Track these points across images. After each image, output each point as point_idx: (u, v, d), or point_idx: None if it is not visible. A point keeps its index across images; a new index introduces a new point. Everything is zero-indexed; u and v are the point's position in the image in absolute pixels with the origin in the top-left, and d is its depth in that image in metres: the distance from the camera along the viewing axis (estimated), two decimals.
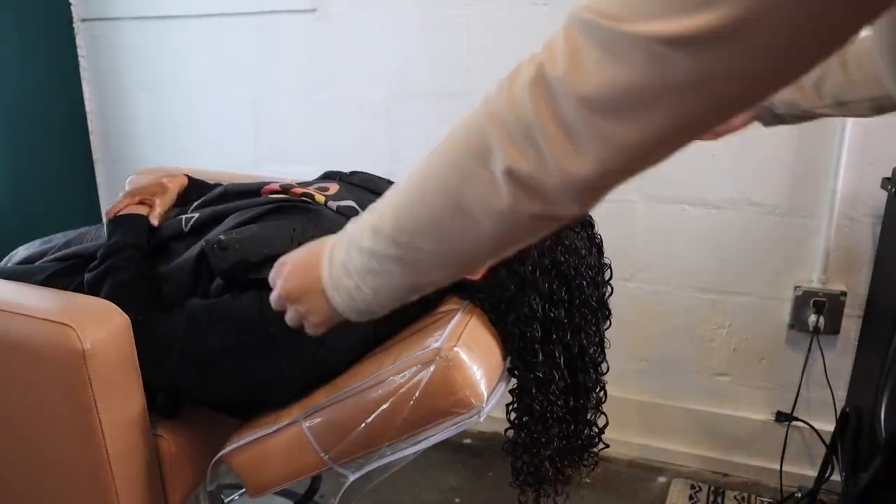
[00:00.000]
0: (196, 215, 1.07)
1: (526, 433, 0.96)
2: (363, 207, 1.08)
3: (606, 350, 0.99)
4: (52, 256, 1.15)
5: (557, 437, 0.96)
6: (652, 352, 1.79)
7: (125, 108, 2.19)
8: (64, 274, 1.08)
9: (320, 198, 1.08)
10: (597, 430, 1.00)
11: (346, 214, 1.06)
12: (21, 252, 1.23)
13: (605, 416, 1.01)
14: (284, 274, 0.69)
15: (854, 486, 1.12)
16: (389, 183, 1.06)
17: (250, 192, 1.13)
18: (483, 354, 0.88)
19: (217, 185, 1.22)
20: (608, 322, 0.98)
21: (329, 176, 1.19)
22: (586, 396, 0.97)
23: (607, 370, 0.98)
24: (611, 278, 0.98)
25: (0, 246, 1.42)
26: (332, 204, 1.07)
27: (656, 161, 0.46)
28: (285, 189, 1.10)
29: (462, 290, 1.00)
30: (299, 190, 1.10)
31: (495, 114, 0.50)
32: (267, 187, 1.12)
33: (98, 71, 2.18)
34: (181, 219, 1.07)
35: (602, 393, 0.99)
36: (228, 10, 1.95)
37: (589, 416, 0.99)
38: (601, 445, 1.01)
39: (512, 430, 0.97)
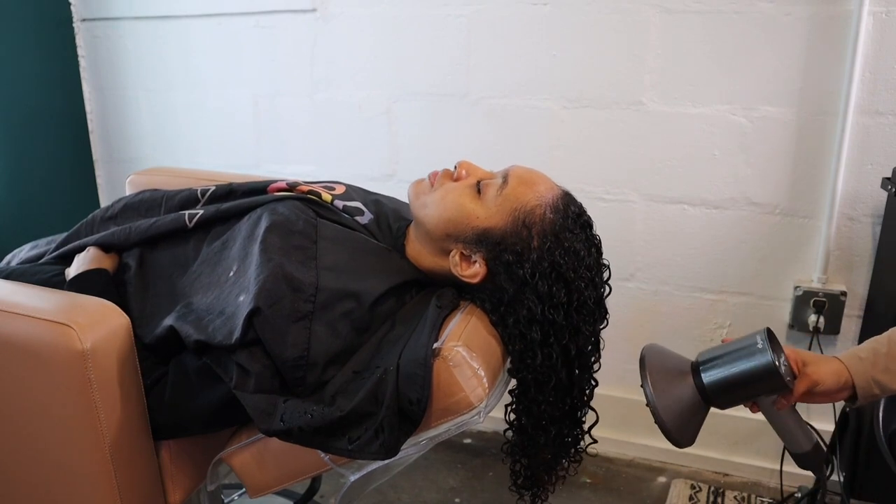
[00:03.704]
0: (201, 212, 1.07)
1: (524, 435, 0.96)
2: (369, 208, 1.09)
3: (602, 350, 0.99)
4: (52, 255, 1.15)
5: (554, 439, 0.96)
6: None
7: (125, 108, 2.19)
8: (64, 273, 1.08)
9: (327, 196, 1.08)
10: (584, 428, 1.01)
11: (353, 214, 1.06)
12: (21, 252, 1.23)
13: (596, 413, 1.01)
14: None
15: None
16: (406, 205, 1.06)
17: (257, 189, 1.13)
18: (484, 355, 0.88)
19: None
20: (605, 322, 0.98)
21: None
22: (580, 396, 0.97)
23: (598, 368, 0.99)
24: (609, 279, 0.98)
25: (0, 246, 1.42)
26: (339, 203, 1.07)
27: None
28: (292, 187, 1.10)
29: (462, 291, 1.00)
30: (305, 187, 1.10)
31: None
32: (273, 185, 1.12)
33: (98, 71, 2.18)
34: (184, 214, 1.07)
35: (591, 391, 0.99)
36: (229, 10, 1.95)
37: (581, 415, 1.00)
38: (589, 441, 1.01)
39: (510, 432, 0.97)
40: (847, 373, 0.91)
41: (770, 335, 0.88)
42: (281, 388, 0.86)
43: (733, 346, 0.89)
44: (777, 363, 0.85)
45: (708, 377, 0.88)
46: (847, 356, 0.93)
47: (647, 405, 0.88)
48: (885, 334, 0.94)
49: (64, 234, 1.20)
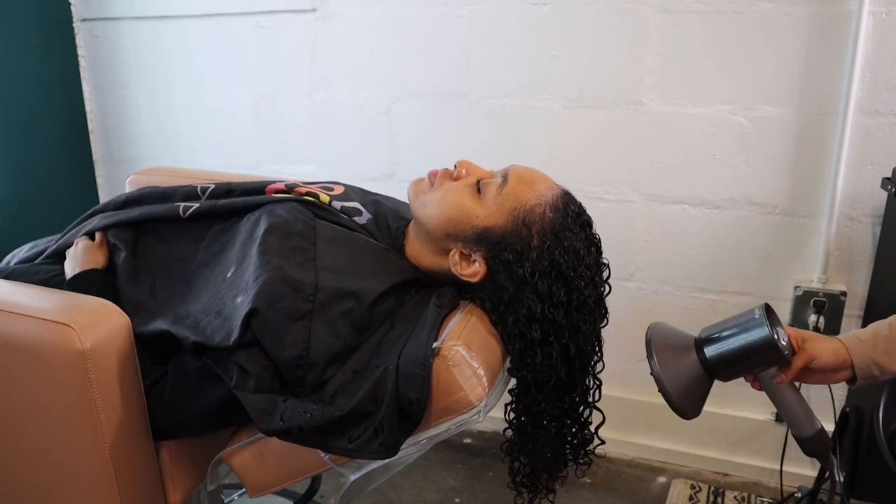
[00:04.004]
0: (196, 205, 1.06)
1: (524, 434, 0.96)
2: (367, 208, 1.09)
3: (604, 349, 0.99)
4: (48, 254, 1.15)
5: (554, 438, 0.96)
6: None
7: (125, 108, 2.19)
8: (62, 272, 1.08)
9: (325, 197, 1.08)
10: (591, 430, 1.01)
11: (351, 215, 1.06)
12: (21, 252, 1.23)
13: (602, 413, 1.01)
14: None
15: None
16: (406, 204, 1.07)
17: (255, 189, 1.13)
18: (483, 354, 0.88)
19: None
20: (605, 321, 0.98)
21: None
22: (583, 396, 0.97)
23: (602, 369, 0.99)
24: (609, 277, 0.98)
25: (0, 246, 1.42)
26: (337, 204, 1.07)
27: None
28: (290, 188, 1.10)
29: (462, 290, 1.00)
30: (304, 189, 1.10)
31: None
32: (271, 186, 1.12)
33: (98, 71, 2.18)
34: (178, 205, 1.07)
35: (597, 392, 0.99)
36: (229, 10, 1.95)
37: (584, 416, 1.00)
38: (596, 442, 1.02)
39: (510, 431, 0.98)
40: (846, 352, 0.93)
41: (768, 309, 0.90)
42: (281, 388, 0.86)
43: (733, 322, 0.92)
44: (775, 336, 0.87)
45: (710, 351, 0.91)
46: (847, 337, 0.95)
47: (651, 374, 0.90)
48: (887, 319, 0.95)
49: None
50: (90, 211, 1.20)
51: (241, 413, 0.84)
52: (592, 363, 0.97)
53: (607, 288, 0.98)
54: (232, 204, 1.05)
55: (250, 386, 0.84)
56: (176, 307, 0.97)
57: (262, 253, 0.91)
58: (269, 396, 0.84)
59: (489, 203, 0.94)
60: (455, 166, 1.00)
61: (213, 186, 1.16)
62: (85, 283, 1.02)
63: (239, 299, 0.88)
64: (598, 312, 0.95)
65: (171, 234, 1.07)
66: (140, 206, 1.16)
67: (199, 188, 1.16)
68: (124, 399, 0.90)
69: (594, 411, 1.01)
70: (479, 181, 0.96)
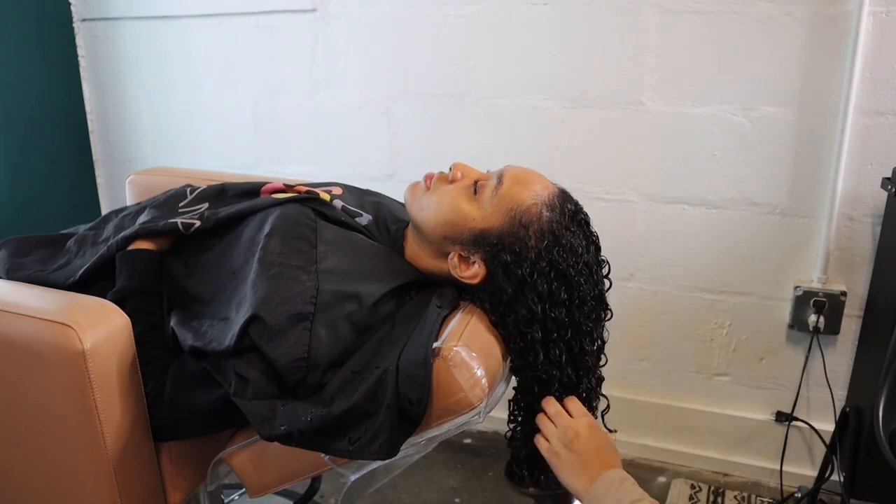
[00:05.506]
0: (197, 223, 1.05)
1: (526, 432, 0.96)
2: (367, 210, 1.09)
3: (604, 349, 0.99)
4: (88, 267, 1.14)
5: None
6: (652, 352, 1.79)
7: (125, 108, 2.19)
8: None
9: (325, 195, 1.08)
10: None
11: (352, 216, 1.06)
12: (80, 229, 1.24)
13: (607, 399, 1.01)
14: (588, 430, 0.88)
15: None
16: (402, 204, 1.07)
17: (250, 191, 1.13)
18: (483, 354, 0.88)
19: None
20: (608, 314, 0.98)
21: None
22: (589, 393, 0.98)
23: (605, 363, 0.99)
24: (609, 273, 0.98)
25: None
26: (338, 203, 1.07)
27: None
28: (289, 187, 1.10)
29: (463, 291, 1.00)
30: (303, 188, 1.10)
31: None
32: (267, 186, 1.12)
33: (98, 71, 2.18)
34: (177, 222, 1.05)
35: (600, 387, 0.99)
36: (228, 10, 1.95)
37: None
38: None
39: (512, 424, 0.98)
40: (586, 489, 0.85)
41: None
42: (280, 392, 0.86)
43: None
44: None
45: None
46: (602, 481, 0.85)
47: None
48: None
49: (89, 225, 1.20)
50: (109, 213, 1.20)
51: (242, 414, 0.84)
52: (594, 361, 0.97)
53: (608, 283, 0.98)
54: (230, 214, 1.05)
55: (248, 393, 0.84)
56: (184, 308, 0.98)
57: (264, 256, 0.91)
58: (269, 402, 0.84)
59: (485, 205, 0.94)
60: (450, 169, 1.00)
61: (202, 187, 1.16)
62: (137, 256, 1.02)
63: (240, 304, 0.89)
64: (600, 309, 0.95)
65: (178, 244, 1.07)
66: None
67: (188, 189, 1.16)
68: (124, 399, 0.90)
69: (597, 407, 1.01)
70: (474, 183, 0.96)
